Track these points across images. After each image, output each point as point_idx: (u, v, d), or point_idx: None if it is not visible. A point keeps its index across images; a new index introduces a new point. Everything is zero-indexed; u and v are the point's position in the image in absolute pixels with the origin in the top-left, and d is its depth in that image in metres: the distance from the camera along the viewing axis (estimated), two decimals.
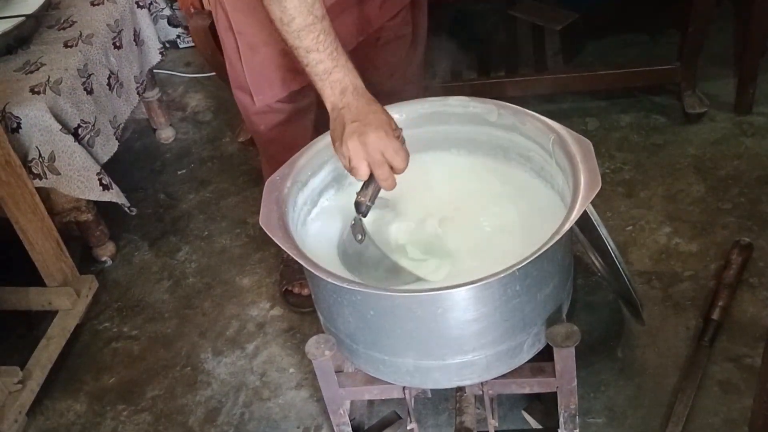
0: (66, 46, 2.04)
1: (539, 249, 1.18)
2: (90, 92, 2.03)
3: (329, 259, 1.38)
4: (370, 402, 1.69)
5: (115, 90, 2.15)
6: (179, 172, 2.49)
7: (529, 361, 1.37)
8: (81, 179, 1.95)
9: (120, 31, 2.20)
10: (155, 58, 2.39)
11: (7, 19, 2.03)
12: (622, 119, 2.36)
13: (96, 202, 2.08)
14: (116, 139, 2.13)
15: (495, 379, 1.37)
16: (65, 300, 1.93)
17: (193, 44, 2.78)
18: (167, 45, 2.55)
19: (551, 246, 1.18)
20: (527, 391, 1.43)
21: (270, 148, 1.79)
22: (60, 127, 1.89)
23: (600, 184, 1.23)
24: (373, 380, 1.42)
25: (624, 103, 2.40)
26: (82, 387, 1.90)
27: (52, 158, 1.90)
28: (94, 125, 2.03)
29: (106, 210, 2.16)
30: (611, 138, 2.29)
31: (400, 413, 1.62)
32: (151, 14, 2.38)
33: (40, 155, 1.89)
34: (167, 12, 2.48)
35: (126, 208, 2.10)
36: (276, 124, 1.70)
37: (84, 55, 2.04)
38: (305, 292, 1.92)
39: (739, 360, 1.67)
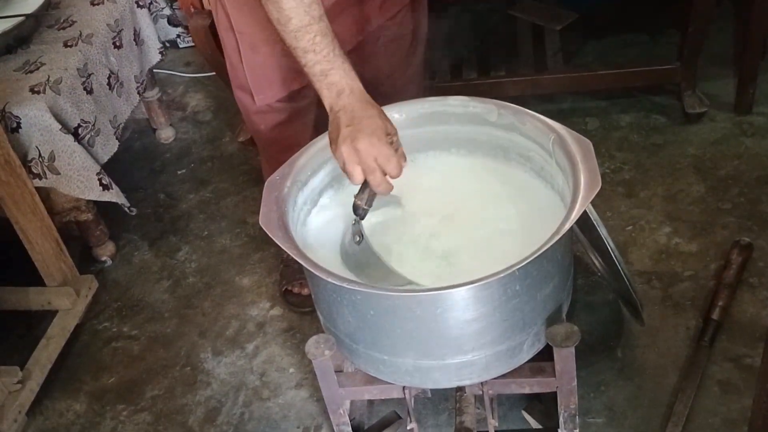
0: (66, 45, 2.04)
1: (539, 249, 1.17)
2: (90, 92, 2.03)
3: (329, 258, 1.38)
4: (370, 402, 1.69)
5: (115, 90, 2.15)
6: (179, 172, 2.49)
7: (529, 360, 1.37)
8: (81, 179, 1.95)
9: (120, 31, 2.20)
10: (155, 57, 2.39)
11: (6, 18, 2.03)
12: (622, 119, 2.36)
13: (96, 202, 2.08)
14: (116, 138, 2.13)
15: (495, 379, 1.36)
16: (65, 300, 1.93)
17: (193, 44, 2.78)
18: (167, 45, 2.54)
19: (551, 246, 1.18)
20: (527, 391, 1.43)
21: (270, 147, 1.78)
22: (60, 126, 1.89)
23: (600, 184, 1.23)
24: (372, 380, 1.42)
25: (624, 103, 2.40)
26: (81, 387, 1.90)
27: (51, 158, 1.90)
28: (94, 125, 2.03)
29: (105, 210, 2.16)
30: (611, 138, 2.29)
31: (400, 413, 1.62)
32: (151, 14, 2.38)
33: (39, 155, 1.89)
34: (167, 11, 2.48)
35: (126, 208, 2.10)
36: (276, 124, 1.70)
37: (84, 54, 2.04)
38: (305, 291, 1.92)
39: (739, 360, 1.67)
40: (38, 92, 1.88)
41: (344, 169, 1.30)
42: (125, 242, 2.27)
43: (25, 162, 1.88)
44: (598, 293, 1.86)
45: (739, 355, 1.68)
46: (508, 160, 1.49)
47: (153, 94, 2.52)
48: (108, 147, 2.09)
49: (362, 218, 1.36)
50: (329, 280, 1.21)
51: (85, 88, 2.01)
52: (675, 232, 1.98)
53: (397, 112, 1.47)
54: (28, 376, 1.77)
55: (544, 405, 1.58)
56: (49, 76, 1.93)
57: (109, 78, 2.13)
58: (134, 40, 2.28)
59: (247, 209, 2.29)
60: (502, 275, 1.16)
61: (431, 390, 1.49)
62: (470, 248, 1.39)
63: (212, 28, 2.04)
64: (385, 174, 1.28)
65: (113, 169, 2.09)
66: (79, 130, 1.97)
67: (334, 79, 1.29)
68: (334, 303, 1.31)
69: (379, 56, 1.70)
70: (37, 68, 1.97)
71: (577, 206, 1.21)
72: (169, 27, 2.51)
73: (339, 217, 1.46)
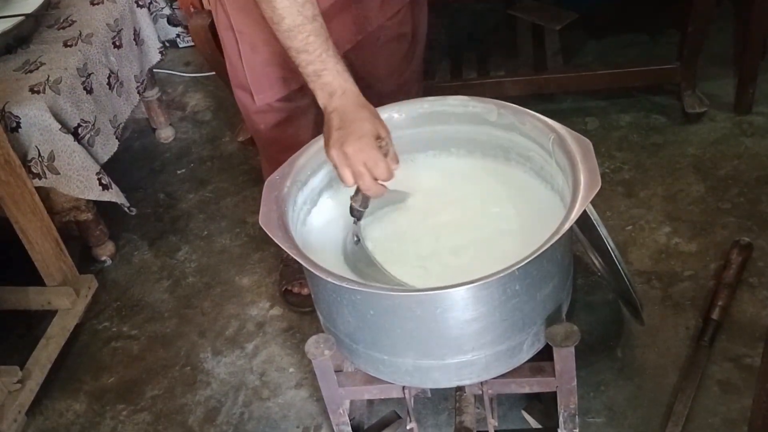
0: (66, 45, 2.04)
1: (539, 249, 1.17)
2: (90, 92, 2.03)
3: (329, 258, 1.38)
4: (370, 402, 1.69)
5: (115, 89, 2.15)
6: (179, 172, 2.49)
7: (529, 360, 1.37)
8: (80, 179, 1.95)
9: (120, 31, 2.20)
10: (155, 57, 2.39)
11: (6, 18, 2.03)
12: (621, 119, 2.36)
13: (95, 202, 2.08)
14: (116, 138, 2.13)
15: (494, 378, 1.36)
16: (65, 300, 1.93)
17: (192, 43, 2.77)
18: (167, 44, 2.54)
19: (551, 246, 1.18)
20: (527, 390, 1.43)
21: (270, 147, 1.78)
22: (59, 126, 1.89)
23: (600, 184, 1.23)
24: (372, 380, 1.42)
25: (624, 102, 2.40)
26: (81, 387, 1.90)
27: (51, 158, 1.90)
28: (94, 125, 2.03)
29: (105, 209, 2.16)
30: (611, 138, 2.29)
31: (399, 413, 1.62)
32: (151, 13, 2.38)
33: (39, 155, 1.89)
34: (167, 11, 2.48)
35: (125, 208, 2.10)
36: (276, 124, 1.70)
37: (84, 54, 2.04)
38: (305, 291, 1.92)
39: (739, 360, 1.67)
40: (38, 92, 1.88)
41: (335, 172, 1.30)
42: (125, 242, 2.27)
43: (25, 162, 1.87)
44: (598, 293, 1.86)
45: (739, 355, 1.68)
46: (507, 159, 1.49)
47: (153, 93, 2.53)
48: (108, 147, 2.09)
49: (358, 219, 1.36)
50: (329, 279, 1.20)
51: (84, 88, 2.01)
52: (675, 232, 1.98)
53: (396, 112, 1.47)
54: (27, 375, 1.77)
55: (543, 405, 1.58)
56: (48, 76, 1.93)
57: (108, 78, 2.13)
58: (134, 39, 2.28)
59: (247, 209, 2.29)
60: (501, 275, 1.16)
61: (431, 390, 1.49)
62: (470, 248, 1.39)
63: (212, 28, 2.04)
64: (375, 178, 1.28)
65: (113, 169, 2.09)
66: (79, 130, 1.97)
67: (327, 79, 1.30)
68: (333, 303, 1.31)
69: (378, 56, 1.70)
70: (37, 68, 1.97)
71: (577, 206, 1.21)
72: (169, 27, 2.51)
73: (339, 217, 1.45)
